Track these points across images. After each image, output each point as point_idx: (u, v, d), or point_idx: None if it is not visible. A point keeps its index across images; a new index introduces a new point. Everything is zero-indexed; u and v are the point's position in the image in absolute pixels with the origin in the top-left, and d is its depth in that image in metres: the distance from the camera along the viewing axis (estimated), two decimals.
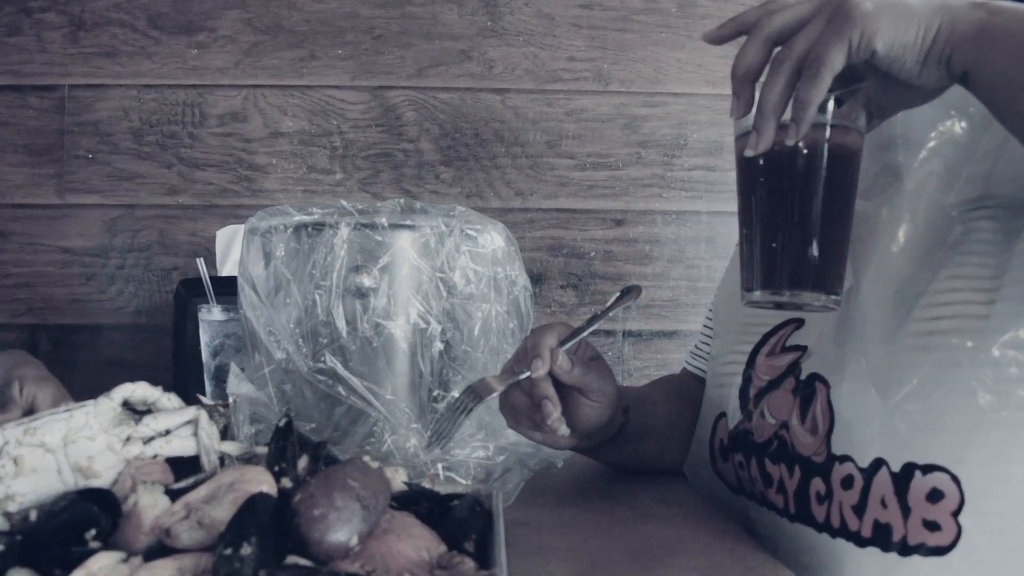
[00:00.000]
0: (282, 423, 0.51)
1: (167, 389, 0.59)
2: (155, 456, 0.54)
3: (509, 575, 0.43)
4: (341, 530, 0.41)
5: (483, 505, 0.52)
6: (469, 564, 0.44)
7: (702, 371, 0.87)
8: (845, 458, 0.61)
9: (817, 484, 0.62)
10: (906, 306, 0.61)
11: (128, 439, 0.54)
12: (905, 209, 0.64)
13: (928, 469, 0.56)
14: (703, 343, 0.90)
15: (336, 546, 0.41)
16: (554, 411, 0.66)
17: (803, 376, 0.66)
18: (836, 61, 0.52)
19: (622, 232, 1.41)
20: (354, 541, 0.41)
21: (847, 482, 0.60)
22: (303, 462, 0.51)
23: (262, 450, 0.56)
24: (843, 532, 0.60)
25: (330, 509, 0.41)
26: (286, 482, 0.47)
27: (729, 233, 1.40)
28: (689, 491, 0.77)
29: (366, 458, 0.49)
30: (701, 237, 1.42)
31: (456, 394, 0.70)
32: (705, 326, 0.91)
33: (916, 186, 0.64)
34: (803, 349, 0.68)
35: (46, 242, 1.36)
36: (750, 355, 0.73)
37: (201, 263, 1.00)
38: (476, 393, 0.65)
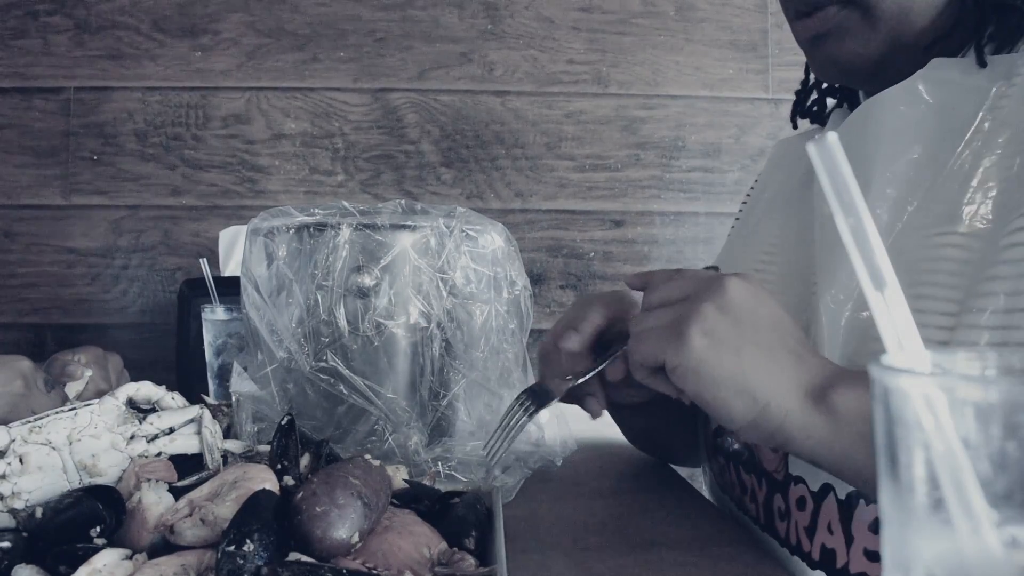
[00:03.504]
0: (284, 422, 0.52)
1: (171, 388, 0.59)
2: (159, 454, 0.55)
3: (509, 571, 0.43)
4: (343, 527, 0.41)
5: (483, 503, 0.52)
6: (469, 561, 0.45)
7: None
8: (799, 479, 0.61)
9: (779, 500, 0.63)
10: (862, 328, 0.58)
11: (132, 437, 0.55)
12: (881, 227, 0.62)
13: (872, 499, 0.55)
14: None
15: (338, 543, 0.41)
16: (598, 410, 0.67)
17: None
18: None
19: (621, 233, 1.42)
20: (355, 538, 0.42)
21: (801, 503, 0.60)
22: (305, 460, 0.51)
23: (264, 448, 0.56)
24: (798, 551, 0.60)
25: (332, 506, 0.42)
26: (288, 480, 0.48)
27: (726, 234, 1.40)
28: (687, 489, 0.78)
29: (367, 456, 0.49)
30: (699, 238, 1.42)
31: (510, 401, 0.69)
32: None
33: (890, 208, 0.61)
34: None
35: (51, 243, 1.37)
36: None
37: (204, 263, 1.00)
38: (537, 399, 0.65)
